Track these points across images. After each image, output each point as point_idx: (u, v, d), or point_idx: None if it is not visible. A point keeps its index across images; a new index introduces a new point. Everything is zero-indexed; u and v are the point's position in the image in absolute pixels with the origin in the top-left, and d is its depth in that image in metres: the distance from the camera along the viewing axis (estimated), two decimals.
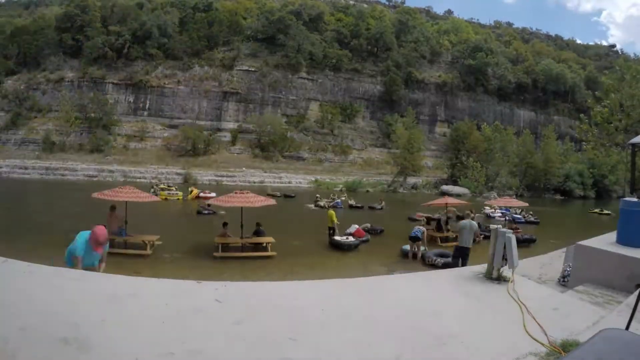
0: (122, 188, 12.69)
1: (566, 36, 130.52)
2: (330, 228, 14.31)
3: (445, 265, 9.79)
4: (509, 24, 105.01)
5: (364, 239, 14.14)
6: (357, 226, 14.84)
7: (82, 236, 4.60)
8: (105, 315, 2.97)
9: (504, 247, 4.22)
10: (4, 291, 3.36)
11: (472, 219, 9.66)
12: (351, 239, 13.52)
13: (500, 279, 4.25)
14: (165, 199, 24.61)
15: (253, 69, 58.34)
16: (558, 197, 45.43)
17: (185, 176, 42.76)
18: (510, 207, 22.89)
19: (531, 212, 24.03)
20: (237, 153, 52.60)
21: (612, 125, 20.17)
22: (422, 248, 11.82)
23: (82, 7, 56.78)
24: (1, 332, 2.57)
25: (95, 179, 39.13)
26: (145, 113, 54.43)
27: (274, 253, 11.45)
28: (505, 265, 4.28)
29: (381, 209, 25.44)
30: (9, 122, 49.67)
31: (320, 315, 3.21)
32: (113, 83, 54.52)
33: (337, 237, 13.47)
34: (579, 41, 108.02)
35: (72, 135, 48.59)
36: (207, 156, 49.93)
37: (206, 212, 20.06)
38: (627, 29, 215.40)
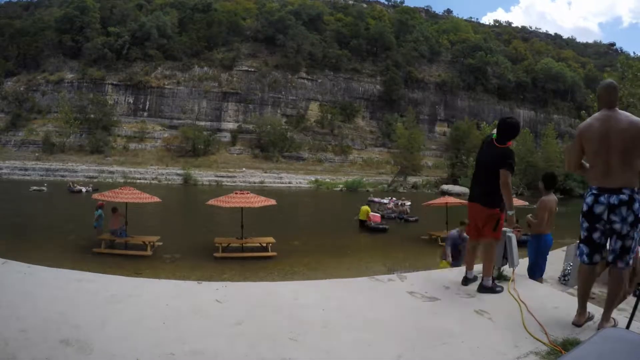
0: (122, 189, 12.73)
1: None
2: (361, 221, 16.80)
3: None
4: (509, 23, 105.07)
5: None
6: None
7: None
8: (105, 316, 2.98)
9: (505, 246, 4.22)
10: (4, 292, 3.35)
11: None
12: None
13: (501, 278, 4.25)
14: None
15: (252, 69, 58.36)
16: (558, 195, 45.26)
17: (185, 177, 42.74)
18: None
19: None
20: (237, 153, 52.62)
21: None
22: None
23: (81, 9, 56.82)
24: (1, 333, 2.57)
25: (95, 180, 39.18)
26: (145, 114, 54.48)
27: (274, 253, 11.45)
28: (506, 264, 4.28)
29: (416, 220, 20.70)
30: (9, 124, 49.74)
31: (320, 315, 3.21)
32: (113, 84, 54.56)
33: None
34: (578, 40, 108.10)
35: (72, 136, 48.63)
36: (207, 156, 49.97)
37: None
38: None
